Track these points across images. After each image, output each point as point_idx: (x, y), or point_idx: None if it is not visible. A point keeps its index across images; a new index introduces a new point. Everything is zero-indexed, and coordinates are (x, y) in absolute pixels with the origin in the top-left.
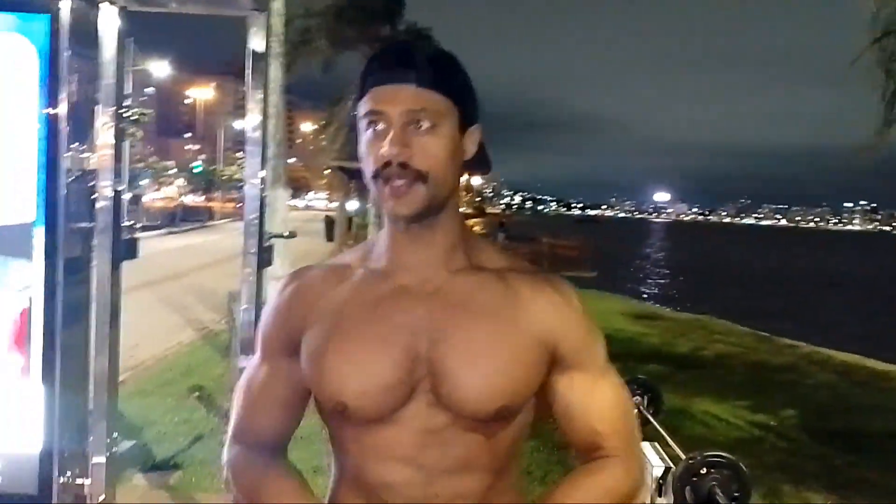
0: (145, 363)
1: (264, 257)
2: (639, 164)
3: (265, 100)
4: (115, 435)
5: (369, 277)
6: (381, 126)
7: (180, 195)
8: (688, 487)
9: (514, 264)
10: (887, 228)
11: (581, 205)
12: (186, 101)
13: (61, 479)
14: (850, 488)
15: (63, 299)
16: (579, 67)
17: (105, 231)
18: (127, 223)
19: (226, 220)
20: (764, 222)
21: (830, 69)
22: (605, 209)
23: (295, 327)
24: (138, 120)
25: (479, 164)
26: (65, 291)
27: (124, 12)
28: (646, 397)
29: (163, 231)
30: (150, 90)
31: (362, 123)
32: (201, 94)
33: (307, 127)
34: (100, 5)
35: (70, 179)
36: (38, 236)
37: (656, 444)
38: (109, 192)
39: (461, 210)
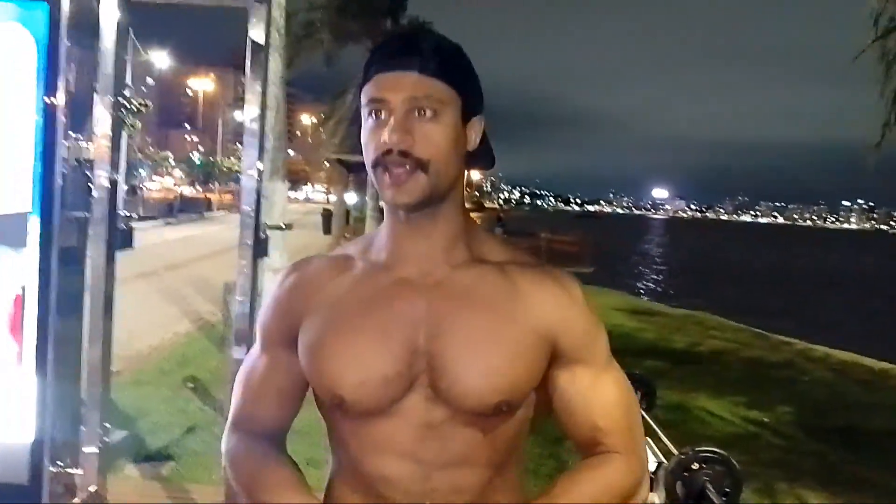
0: (141, 353)
1: (260, 249)
2: (638, 160)
3: (264, 92)
4: (108, 425)
5: (369, 269)
6: (382, 114)
7: (177, 186)
8: (679, 482)
9: (517, 257)
10: (884, 227)
11: (580, 200)
12: (187, 93)
13: (52, 469)
14: (847, 486)
15: (57, 289)
16: (580, 64)
17: (101, 221)
18: (123, 213)
19: (224, 212)
20: (761, 220)
21: (831, 67)
22: (604, 205)
23: (294, 318)
24: (139, 111)
25: (482, 157)
26: (59, 281)
27: (124, 2)
28: (639, 392)
29: (160, 222)
30: (150, 81)
31: (364, 112)
32: (202, 85)
33: (308, 120)
34: None
35: (66, 169)
36: (34, 225)
37: (648, 439)
38: (106, 183)
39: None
